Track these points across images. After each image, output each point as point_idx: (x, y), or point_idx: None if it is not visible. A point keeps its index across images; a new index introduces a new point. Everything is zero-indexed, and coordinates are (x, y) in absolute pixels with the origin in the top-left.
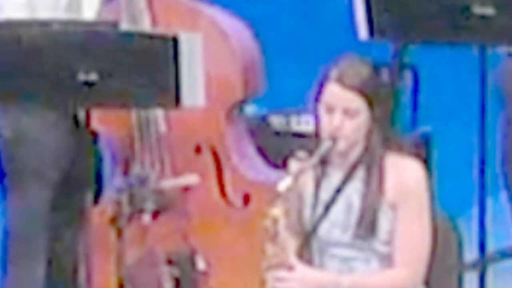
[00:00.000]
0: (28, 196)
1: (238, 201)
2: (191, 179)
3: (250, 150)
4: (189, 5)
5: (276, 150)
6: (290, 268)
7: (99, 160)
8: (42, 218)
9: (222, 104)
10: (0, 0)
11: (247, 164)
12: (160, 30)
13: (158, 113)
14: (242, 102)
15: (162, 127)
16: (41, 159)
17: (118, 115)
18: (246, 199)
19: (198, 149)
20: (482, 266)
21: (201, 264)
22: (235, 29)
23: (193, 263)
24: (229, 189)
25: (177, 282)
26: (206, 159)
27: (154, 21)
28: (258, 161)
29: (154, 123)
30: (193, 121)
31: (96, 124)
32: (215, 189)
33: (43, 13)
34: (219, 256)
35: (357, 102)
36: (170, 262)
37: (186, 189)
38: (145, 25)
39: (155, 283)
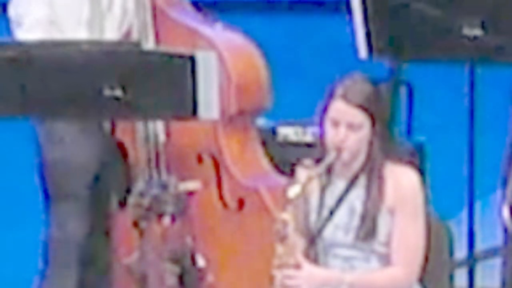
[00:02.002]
0: (63, 213)
1: (233, 204)
2: (195, 184)
3: (254, 159)
4: (190, 27)
5: (283, 158)
6: (298, 266)
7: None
8: (75, 234)
9: (219, 117)
10: (22, 15)
11: (244, 172)
12: (179, 49)
13: (160, 126)
14: (242, 116)
15: (162, 137)
16: (78, 180)
17: (127, 127)
18: (241, 203)
19: (199, 159)
20: (471, 263)
21: (201, 262)
22: (234, 50)
23: (193, 261)
24: (226, 194)
25: (180, 278)
26: (207, 167)
27: (157, 40)
28: (260, 169)
29: (159, 135)
30: (195, 133)
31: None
32: (215, 194)
33: (65, 31)
34: (217, 254)
35: (360, 118)
36: (172, 260)
37: (189, 194)
38: (150, 44)
39: (160, 279)
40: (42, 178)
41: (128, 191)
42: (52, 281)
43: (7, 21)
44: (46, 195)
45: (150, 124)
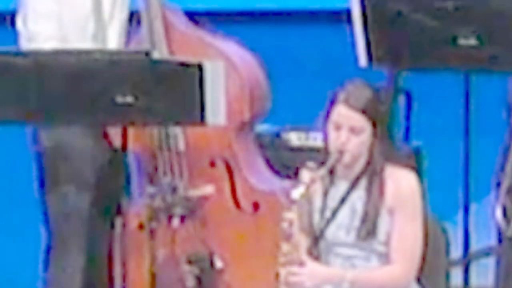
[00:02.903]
0: (67, 198)
1: (248, 208)
2: (208, 189)
3: (259, 163)
4: (201, 38)
5: (287, 162)
6: (302, 264)
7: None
8: (81, 218)
9: (232, 124)
10: (33, 32)
11: (256, 176)
12: (187, 58)
13: (178, 132)
14: (250, 122)
15: (181, 144)
16: (77, 164)
17: (143, 133)
18: (256, 206)
19: (212, 163)
20: (466, 262)
21: (218, 263)
22: (242, 58)
23: (211, 262)
24: (241, 197)
25: (199, 279)
26: (220, 172)
27: (170, 51)
28: (266, 172)
29: (174, 140)
30: (208, 139)
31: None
32: (229, 198)
33: (72, 43)
34: (234, 255)
35: (361, 121)
36: (190, 262)
37: (203, 198)
38: (163, 54)
39: (179, 281)
40: (39, 167)
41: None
42: (58, 255)
43: (14, 32)
44: (42, 184)
45: (169, 131)
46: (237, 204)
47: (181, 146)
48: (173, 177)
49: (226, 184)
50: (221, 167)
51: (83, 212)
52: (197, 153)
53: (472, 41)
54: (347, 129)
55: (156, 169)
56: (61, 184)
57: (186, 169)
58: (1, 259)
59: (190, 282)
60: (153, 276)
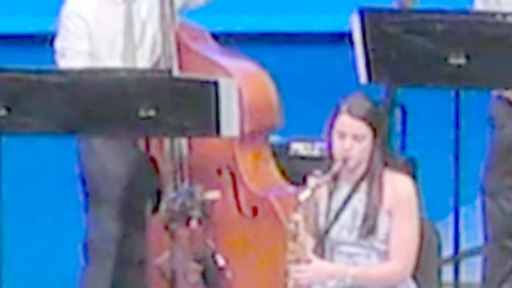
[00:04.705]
0: (100, 215)
1: (248, 212)
2: (215, 194)
3: (264, 170)
4: (208, 58)
5: (295, 170)
6: (308, 261)
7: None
8: (111, 233)
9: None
10: (65, 48)
11: (257, 183)
12: (204, 76)
13: (184, 143)
14: (252, 134)
15: (185, 152)
16: (115, 187)
17: (157, 144)
18: (255, 210)
19: (219, 171)
20: (456, 261)
21: (221, 261)
22: (247, 77)
23: (214, 261)
24: (242, 202)
25: (203, 276)
26: (226, 179)
27: (180, 69)
28: (269, 180)
29: (183, 150)
30: (215, 149)
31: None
32: (232, 202)
33: (102, 60)
34: (234, 254)
35: (363, 129)
36: (196, 260)
37: (211, 202)
38: (175, 72)
39: (184, 276)
40: (83, 184)
41: (159, 199)
42: (91, 275)
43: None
44: (86, 198)
45: (176, 141)
46: (239, 208)
47: (185, 153)
48: (183, 183)
49: (230, 190)
50: (226, 175)
51: (117, 238)
52: (205, 162)
53: (461, 60)
54: (351, 137)
55: (166, 175)
56: (99, 204)
57: (195, 177)
58: (42, 257)
59: (195, 278)
60: (174, 274)
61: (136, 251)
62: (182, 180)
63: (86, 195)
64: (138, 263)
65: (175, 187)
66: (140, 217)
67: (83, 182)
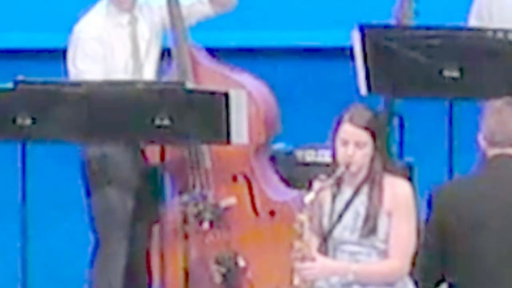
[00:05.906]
0: (109, 199)
1: (265, 215)
2: (231, 200)
3: (274, 177)
4: (222, 72)
5: (299, 175)
6: (313, 259)
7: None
8: (121, 217)
9: (251, 144)
10: (82, 70)
11: (272, 188)
12: (215, 87)
13: (205, 151)
14: (265, 143)
15: (208, 162)
16: (119, 170)
17: (176, 151)
18: (272, 214)
19: (234, 178)
20: None
21: (241, 262)
22: (257, 89)
23: (235, 262)
24: (259, 206)
25: (225, 277)
26: (241, 185)
27: (196, 83)
28: (280, 185)
29: (202, 158)
30: (231, 157)
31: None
32: (249, 207)
33: (117, 75)
34: (254, 256)
35: (364, 136)
36: (217, 262)
37: (227, 208)
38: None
39: (208, 279)
40: (83, 173)
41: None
42: (104, 251)
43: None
44: (87, 189)
45: (197, 151)
46: (256, 212)
47: (208, 163)
48: (202, 188)
49: (246, 196)
50: (242, 181)
51: (125, 212)
52: (221, 169)
53: (455, 73)
54: (353, 144)
55: (187, 182)
56: (104, 187)
57: (212, 183)
58: (54, 257)
59: (218, 279)
60: (187, 274)
61: (143, 253)
62: (201, 186)
63: (87, 181)
64: (144, 265)
65: (193, 191)
66: (152, 219)
67: (84, 170)
